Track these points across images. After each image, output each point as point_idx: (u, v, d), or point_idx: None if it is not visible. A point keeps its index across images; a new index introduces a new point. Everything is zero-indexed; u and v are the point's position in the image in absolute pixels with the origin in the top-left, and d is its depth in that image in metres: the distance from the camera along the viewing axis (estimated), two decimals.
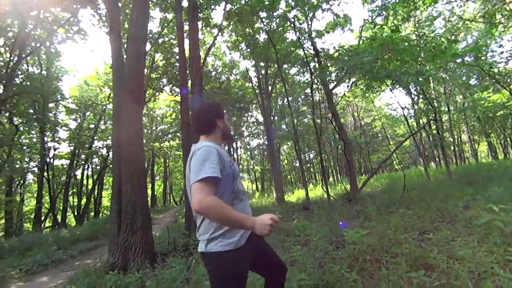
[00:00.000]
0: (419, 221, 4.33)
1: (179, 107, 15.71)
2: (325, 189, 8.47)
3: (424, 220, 4.32)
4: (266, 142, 18.73)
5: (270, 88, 12.99)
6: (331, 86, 8.80)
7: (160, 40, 10.85)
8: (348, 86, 9.12)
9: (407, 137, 12.02)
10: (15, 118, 11.48)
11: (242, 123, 18.26)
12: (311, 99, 9.69)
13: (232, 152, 17.36)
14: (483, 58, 9.40)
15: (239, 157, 23.54)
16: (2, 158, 10.49)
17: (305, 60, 9.10)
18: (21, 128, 12.01)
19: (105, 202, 19.96)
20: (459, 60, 8.80)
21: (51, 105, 13.41)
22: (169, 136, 17.49)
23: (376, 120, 23.21)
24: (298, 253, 2.85)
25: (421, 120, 14.82)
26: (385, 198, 6.93)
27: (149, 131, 17.56)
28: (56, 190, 14.80)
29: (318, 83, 9.90)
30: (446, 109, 16.55)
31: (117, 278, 2.73)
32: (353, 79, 8.63)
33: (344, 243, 3.53)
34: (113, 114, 4.41)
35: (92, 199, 16.02)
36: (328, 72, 7.83)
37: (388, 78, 7.15)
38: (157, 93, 14.15)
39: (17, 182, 14.24)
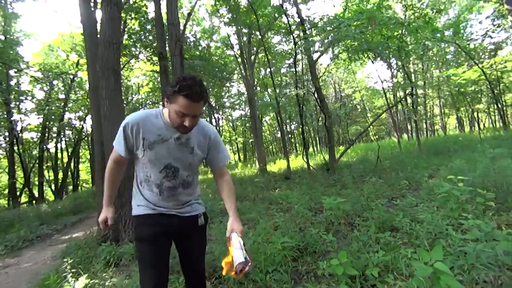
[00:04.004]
0: (389, 189, 4.78)
1: (156, 75, 15.00)
2: (305, 160, 8.86)
3: (394, 188, 4.78)
4: (249, 113, 18.70)
5: (252, 57, 12.62)
6: (314, 57, 8.74)
7: (131, 0, 9.88)
8: (331, 58, 9.11)
9: (385, 110, 12.53)
10: None
11: (223, 93, 17.86)
12: (294, 70, 9.62)
13: (214, 123, 17.20)
14: (460, 34, 9.68)
15: (221, 128, 23.43)
16: None
17: (289, 28, 8.84)
18: None
19: (83, 175, 19.42)
20: (438, 35, 9.01)
21: (12, 73, 12.17)
22: (147, 107, 16.79)
23: (356, 92, 23.70)
24: (281, 219, 3.11)
25: (398, 93, 15.39)
26: (360, 168, 7.45)
27: (124, 102, 16.72)
28: (29, 165, 14.12)
29: (302, 54, 9.77)
30: (422, 83, 17.19)
31: (110, 248, 2.84)
32: (336, 51, 8.61)
33: (322, 210, 3.87)
34: (90, 87, 4.18)
35: (69, 173, 15.55)
36: (311, 42, 7.72)
37: (370, 51, 7.23)
38: (131, 61, 13.24)
39: None
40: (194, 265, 1.43)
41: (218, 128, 14.46)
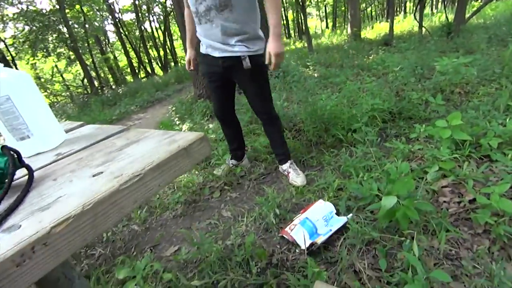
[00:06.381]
0: None
1: None
2: (417, 19, 6.73)
3: None
4: None
5: None
6: None
7: None
8: None
9: None
10: None
11: None
12: None
13: None
14: None
15: None
16: (80, 19, 11.42)
17: None
18: None
19: (179, 53, 21.43)
20: None
21: None
22: None
23: None
24: (372, 84, 2.66)
25: None
26: (502, 31, 5.15)
27: None
28: (136, 45, 16.43)
29: None
30: None
31: (205, 103, 3.38)
32: None
33: (431, 77, 3.08)
34: None
35: (168, 51, 17.41)
36: None
37: None
38: None
39: (104, 42, 16.18)
40: (253, 106, 1.57)
41: None
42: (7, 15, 10.30)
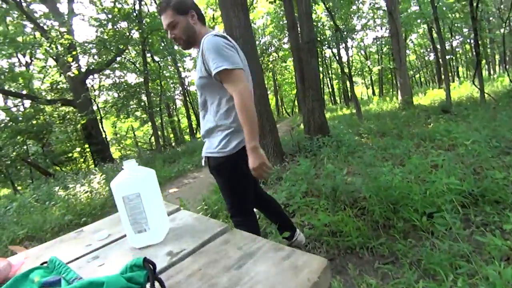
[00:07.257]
0: None
1: (278, 10, 14.51)
2: (477, 85, 6.44)
3: None
4: (386, 33, 15.10)
5: None
6: None
7: None
8: None
9: None
10: (155, 57, 14.33)
11: (351, 14, 14.88)
12: None
13: (344, 54, 15.17)
14: None
15: (352, 59, 20.46)
16: (158, 90, 14.01)
17: None
18: (161, 64, 14.97)
19: None
20: None
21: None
22: (273, 48, 17.16)
23: None
24: (441, 158, 2.45)
25: None
26: None
27: None
28: (197, 110, 19.06)
29: None
30: None
31: None
32: None
33: (510, 151, 2.74)
34: (225, 31, 4.57)
35: None
36: None
37: None
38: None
39: (172, 107, 19.17)
40: None
41: (347, 58, 12.53)
42: (103, 85, 13.42)
